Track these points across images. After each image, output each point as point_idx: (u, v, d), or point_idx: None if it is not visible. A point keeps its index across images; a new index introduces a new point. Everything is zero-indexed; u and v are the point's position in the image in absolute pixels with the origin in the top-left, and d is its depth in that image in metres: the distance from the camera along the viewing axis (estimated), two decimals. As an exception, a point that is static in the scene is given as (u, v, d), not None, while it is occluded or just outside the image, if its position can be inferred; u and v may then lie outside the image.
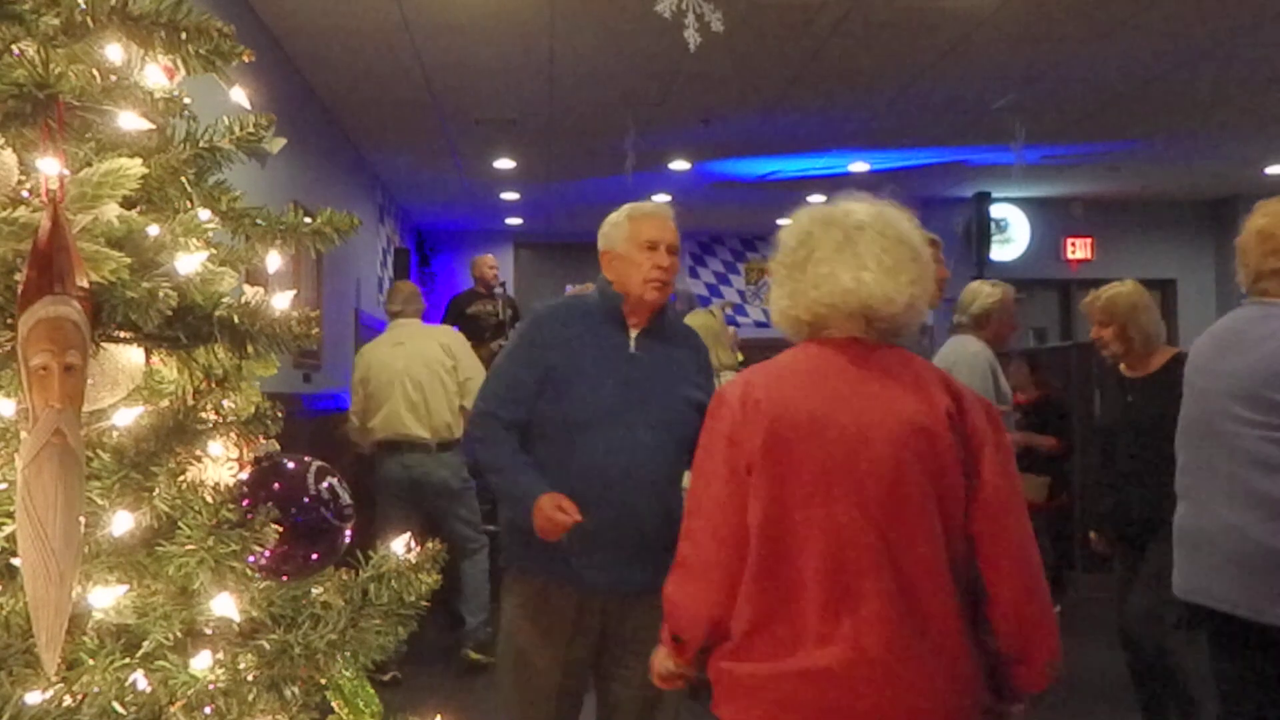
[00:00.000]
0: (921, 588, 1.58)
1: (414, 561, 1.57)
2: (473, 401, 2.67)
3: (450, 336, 5.20)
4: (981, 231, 9.00)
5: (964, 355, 3.90)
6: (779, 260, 1.77)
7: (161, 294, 1.21)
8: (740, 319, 11.14)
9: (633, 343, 2.53)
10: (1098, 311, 3.69)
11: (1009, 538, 1.64)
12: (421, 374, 4.94)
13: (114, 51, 1.32)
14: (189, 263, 1.34)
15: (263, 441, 1.49)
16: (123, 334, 1.27)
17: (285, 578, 1.47)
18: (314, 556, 1.46)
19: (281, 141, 1.49)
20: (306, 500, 1.45)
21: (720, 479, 1.66)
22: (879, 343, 1.70)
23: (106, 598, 1.28)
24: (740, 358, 7.41)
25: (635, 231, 2.56)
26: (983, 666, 1.65)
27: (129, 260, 1.23)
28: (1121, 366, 3.72)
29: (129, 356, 1.31)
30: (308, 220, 1.52)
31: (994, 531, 1.63)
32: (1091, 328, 3.76)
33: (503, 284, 7.56)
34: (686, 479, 4.33)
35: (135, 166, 1.27)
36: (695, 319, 4.83)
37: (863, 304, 1.66)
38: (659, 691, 2.51)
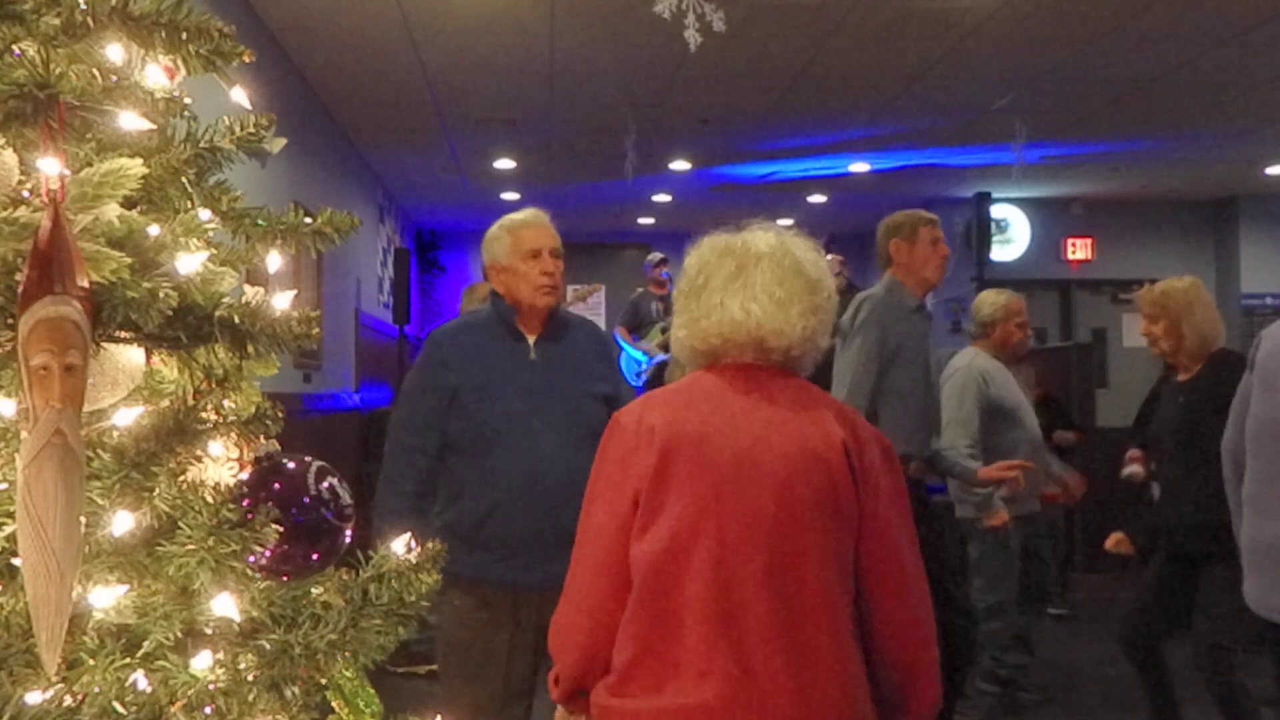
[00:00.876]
0: (808, 613, 1.53)
1: (414, 561, 1.57)
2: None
3: None
4: (981, 232, 9.00)
5: (954, 368, 3.96)
6: (679, 288, 1.76)
7: (162, 294, 1.21)
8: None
9: (532, 350, 2.63)
10: (1148, 305, 3.53)
11: (896, 578, 1.60)
12: None
13: (114, 51, 1.31)
14: (189, 263, 1.34)
15: (263, 441, 1.49)
16: (123, 334, 1.27)
17: (285, 578, 1.46)
18: (314, 556, 1.46)
19: (282, 141, 1.49)
20: (307, 500, 1.45)
21: (604, 506, 1.63)
22: (777, 370, 1.67)
23: (107, 597, 1.28)
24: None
25: (516, 243, 2.63)
26: (872, 702, 1.59)
27: (129, 260, 1.22)
28: (1180, 375, 3.54)
29: (129, 356, 1.31)
30: (308, 220, 1.52)
31: (883, 570, 1.59)
32: (1141, 322, 3.60)
33: None
34: None
35: (136, 166, 1.27)
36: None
37: (752, 335, 1.64)
38: None
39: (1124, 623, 3.62)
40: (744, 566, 1.53)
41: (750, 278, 1.66)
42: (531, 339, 2.64)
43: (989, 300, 4.21)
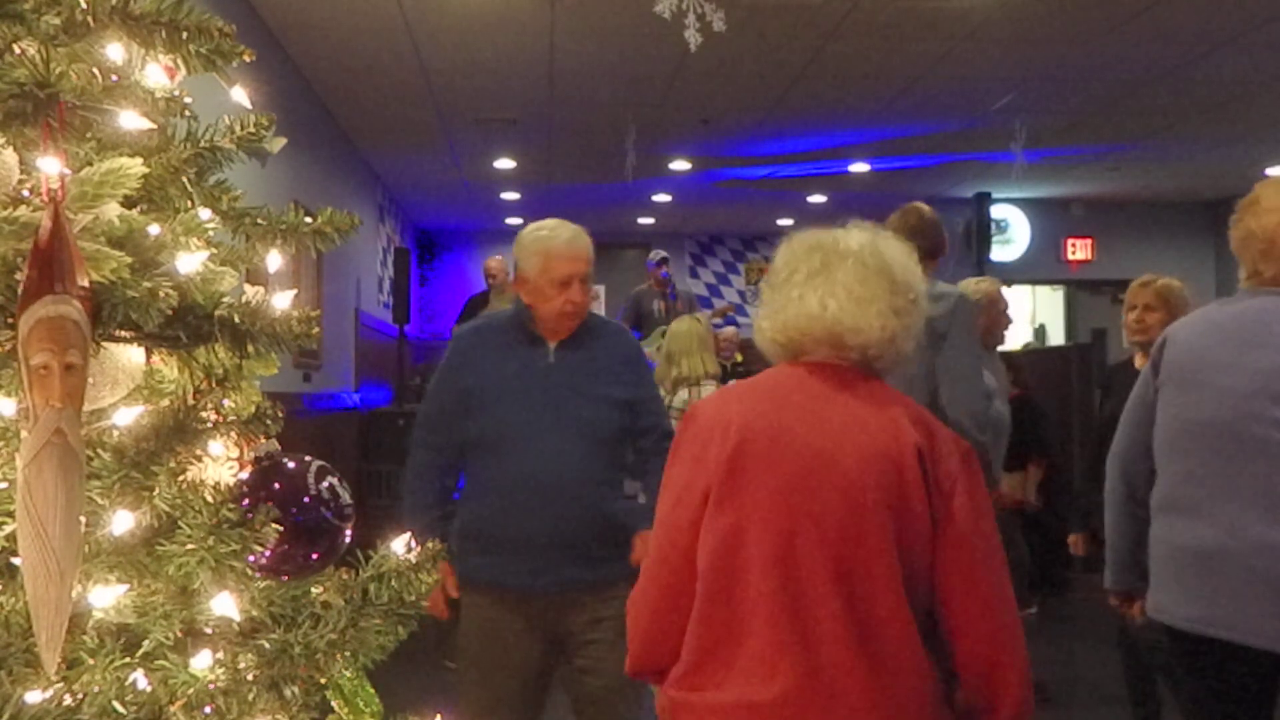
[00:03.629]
0: (878, 615, 1.52)
1: (414, 561, 1.57)
2: None
3: None
4: (981, 232, 9.01)
5: None
6: (766, 279, 1.77)
7: (162, 293, 1.21)
8: (740, 319, 11.15)
9: (551, 354, 2.60)
10: (1150, 295, 3.67)
11: (978, 586, 1.57)
12: None
13: (115, 51, 1.32)
14: (189, 262, 1.34)
15: (263, 441, 1.49)
16: (123, 333, 1.27)
17: (285, 577, 1.46)
18: (314, 556, 1.46)
19: (282, 141, 1.49)
20: (307, 500, 1.45)
21: (675, 495, 1.64)
22: (856, 371, 1.67)
23: (107, 597, 1.28)
24: (739, 358, 7.44)
25: (547, 268, 2.55)
26: (944, 706, 1.58)
27: (130, 260, 1.22)
28: (1137, 359, 3.68)
29: (129, 356, 1.31)
30: (308, 220, 1.52)
31: (962, 578, 1.57)
32: (1134, 310, 3.72)
33: None
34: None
35: (136, 166, 1.27)
36: (680, 325, 4.85)
37: (828, 330, 1.64)
38: (626, 680, 2.56)
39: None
40: (813, 565, 1.53)
41: (833, 273, 1.65)
42: (552, 344, 2.61)
43: (973, 288, 4.24)
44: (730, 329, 7.90)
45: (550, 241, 2.58)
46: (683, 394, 4.63)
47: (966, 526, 1.58)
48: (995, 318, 4.39)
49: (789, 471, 1.56)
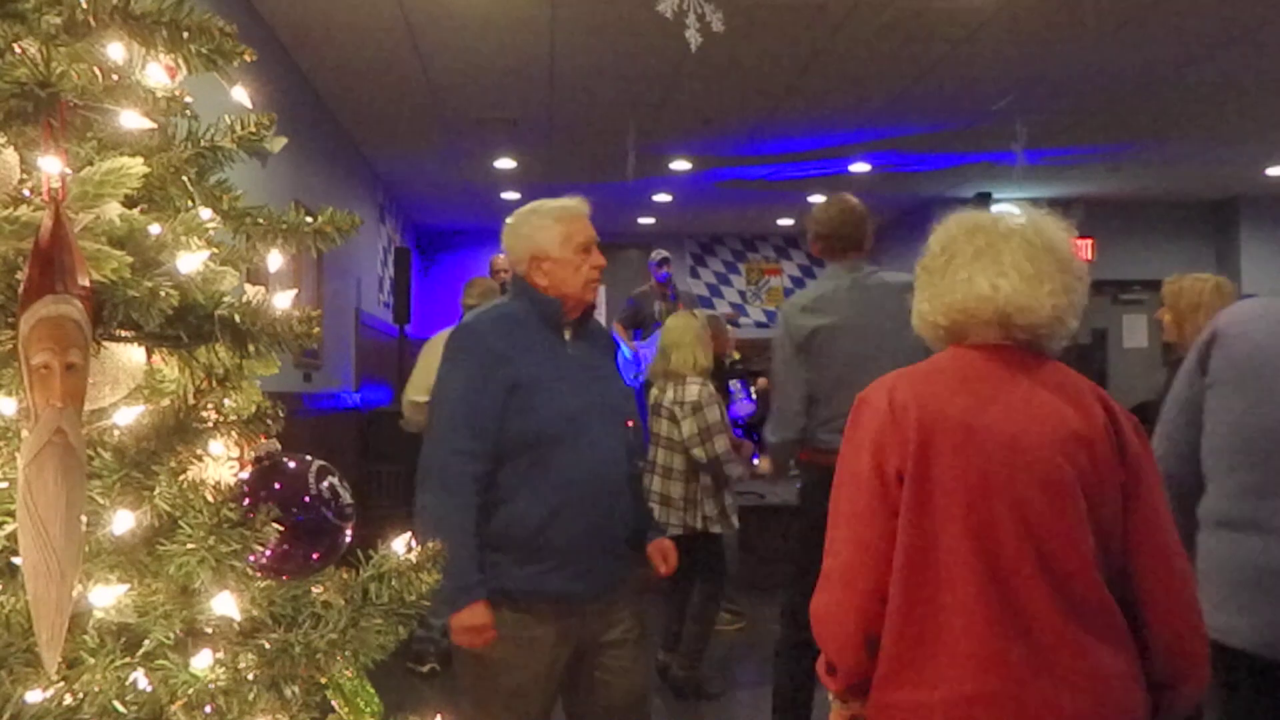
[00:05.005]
0: (1082, 597, 1.51)
1: (414, 561, 1.57)
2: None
3: None
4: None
5: None
6: (921, 264, 1.74)
7: (163, 293, 1.21)
8: (741, 319, 11.15)
9: (569, 346, 2.49)
10: (1164, 294, 3.91)
11: (1170, 562, 1.57)
12: None
13: (116, 50, 1.31)
14: (190, 262, 1.34)
15: (263, 440, 1.49)
16: (124, 333, 1.27)
17: (286, 577, 1.46)
18: (315, 556, 1.46)
19: (282, 140, 1.49)
20: (307, 499, 1.45)
21: (865, 487, 1.58)
22: (1029, 352, 1.64)
23: (107, 596, 1.28)
24: (736, 357, 7.44)
25: (569, 235, 2.45)
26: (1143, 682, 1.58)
27: (130, 259, 1.22)
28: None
29: (130, 355, 1.31)
30: (309, 219, 1.52)
31: (1158, 551, 1.57)
32: (1162, 309, 3.92)
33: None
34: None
35: (137, 165, 1.27)
36: (676, 320, 4.84)
37: (999, 311, 1.61)
38: (649, 686, 2.52)
39: None
40: (1016, 553, 1.51)
41: (999, 253, 1.64)
42: (568, 335, 2.49)
43: None
44: (729, 328, 7.91)
45: (563, 209, 2.47)
46: (670, 392, 4.59)
47: (1157, 500, 1.58)
48: None
49: (985, 459, 1.54)
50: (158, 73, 1.37)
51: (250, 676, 1.35)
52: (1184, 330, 3.78)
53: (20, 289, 1.17)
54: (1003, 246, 1.64)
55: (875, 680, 1.57)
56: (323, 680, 1.48)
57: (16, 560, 1.19)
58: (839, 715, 1.67)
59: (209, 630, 1.37)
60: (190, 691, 1.27)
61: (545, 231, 2.45)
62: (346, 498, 1.50)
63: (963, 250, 1.67)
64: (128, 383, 1.32)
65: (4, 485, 1.26)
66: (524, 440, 2.34)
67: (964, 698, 1.50)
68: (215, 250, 1.47)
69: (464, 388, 2.37)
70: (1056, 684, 1.49)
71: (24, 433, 1.15)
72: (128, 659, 1.28)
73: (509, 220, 2.55)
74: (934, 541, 1.53)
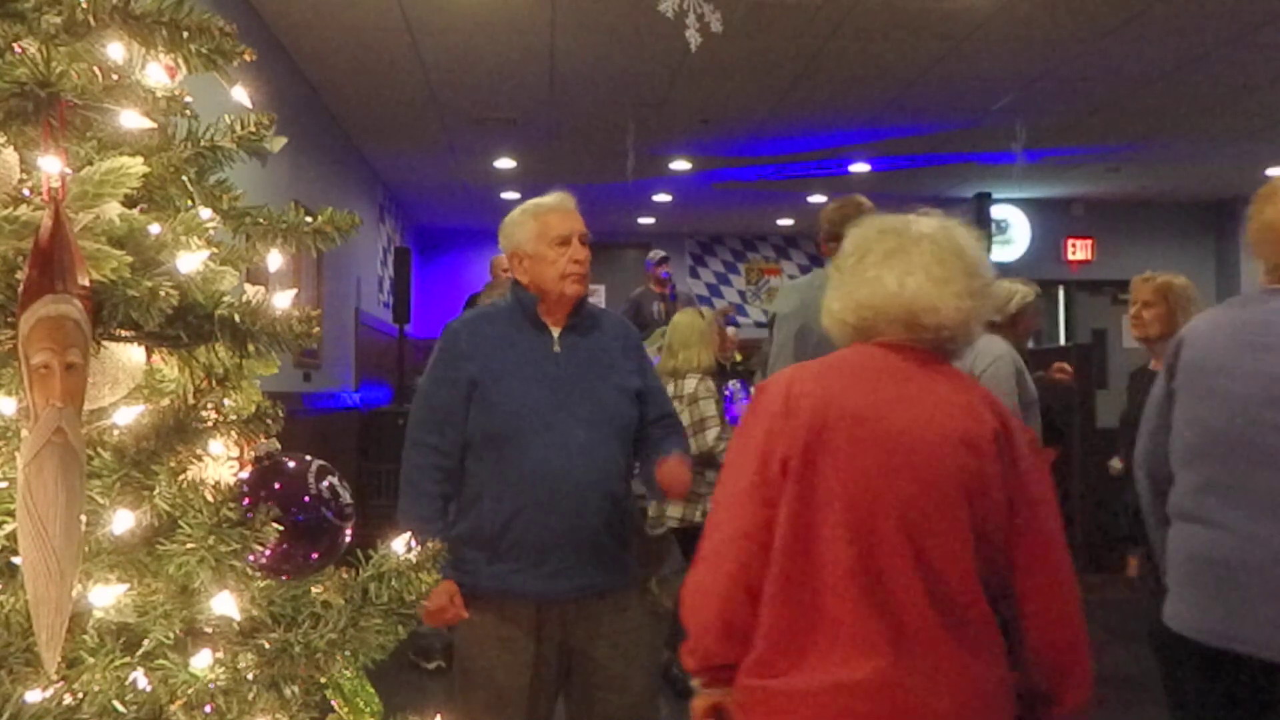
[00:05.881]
0: (957, 599, 1.53)
1: (414, 561, 1.57)
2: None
3: None
4: (982, 232, 9.01)
5: (992, 356, 3.93)
6: (835, 265, 1.77)
7: (163, 292, 1.21)
8: (740, 319, 11.14)
9: (556, 342, 2.46)
10: (1149, 291, 3.68)
11: (1052, 571, 1.59)
12: None
13: (116, 50, 1.31)
14: (190, 261, 1.34)
15: (263, 440, 1.49)
16: (124, 332, 1.27)
17: (285, 577, 1.46)
18: (314, 555, 1.46)
19: (282, 140, 1.49)
20: (307, 499, 1.45)
21: (747, 473, 1.60)
22: (930, 353, 1.66)
23: (107, 596, 1.28)
24: (739, 358, 7.44)
25: (543, 229, 2.44)
26: (1013, 692, 1.59)
27: (130, 259, 1.22)
28: (1153, 362, 3.71)
29: (130, 355, 1.31)
30: (309, 219, 1.51)
31: (1040, 562, 1.58)
32: (1134, 306, 3.74)
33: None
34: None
35: (136, 165, 1.27)
36: (682, 318, 4.84)
37: (905, 309, 1.63)
38: (651, 694, 2.48)
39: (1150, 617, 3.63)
40: (893, 547, 1.52)
41: (910, 254, 1.66)
42: (556, 331, 2.46)
43: (1020, 291, 4.23)
44: (730, 329, 7.91)
45: (539, 205, 2.49)
46: (671, 387, 4.61)
47: (1042, 512, 1.60)
48: (1032, 319, 4.40)
49: (872, 454, 1.56)
50: (158, 72, 1.37)
51: (250, 676, 1.35)
52: (1177, 324, 3.52)
53: (20, 289, 1.17)
54: (913, 249, 1.67)
55: (747, 666, 1.57)
56: (322, 680, 1.48)
57: (16, 560, 1.19)
58: (699, 703, 1.66)
59: (209, 630, 1.37)
60: (190, 691, 1.27)
61: (522, 228, 2.47)
62: (346, 498, 1.50)
63: (874, 251, 1.69)
64: (127, 382, 1.32)
65: (4, 485, 1.26)
66: (485, 435, 2.39)
67: (834, 685, 1.51)
68: (215, 250, 1.47)
69: (428, 384, 2.50)
70: (927, 682, 1.50)
71: (24, 432, 1.15)
72: (127, 659, 1.28)
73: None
74: (815, 533, 1.55)
